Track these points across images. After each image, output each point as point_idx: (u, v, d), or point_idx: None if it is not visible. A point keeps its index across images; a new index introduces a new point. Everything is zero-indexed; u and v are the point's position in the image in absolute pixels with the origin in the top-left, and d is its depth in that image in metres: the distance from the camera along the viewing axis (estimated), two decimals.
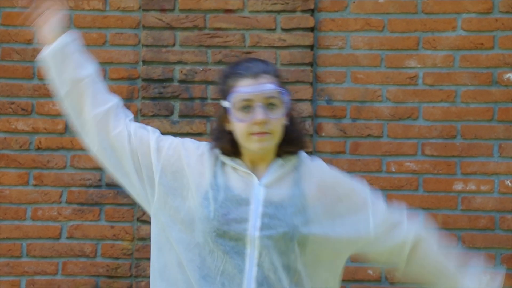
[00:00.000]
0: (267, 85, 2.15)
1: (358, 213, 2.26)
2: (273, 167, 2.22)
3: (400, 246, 2.30)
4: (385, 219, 2.29)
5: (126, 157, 2.22)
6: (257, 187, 2.18)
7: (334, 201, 2.23)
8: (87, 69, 2.26)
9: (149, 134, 2.25)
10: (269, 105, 2.16)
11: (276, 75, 2.21)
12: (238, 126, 2.17)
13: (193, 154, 2.23)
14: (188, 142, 2.27)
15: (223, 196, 2.17)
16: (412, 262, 2.31)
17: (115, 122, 2.24)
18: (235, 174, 2.20)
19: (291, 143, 2.23)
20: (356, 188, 2.30)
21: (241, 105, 2.16)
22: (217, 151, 2.23)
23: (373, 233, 2.26)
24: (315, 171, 2.26)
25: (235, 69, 2.20)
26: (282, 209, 2.16)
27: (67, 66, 2.24)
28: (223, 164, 2.22)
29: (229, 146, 2.21)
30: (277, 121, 2.17)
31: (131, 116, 2.29)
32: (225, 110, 2.20)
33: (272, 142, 2.18)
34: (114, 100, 2.28)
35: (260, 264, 2.13)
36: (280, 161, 2.23)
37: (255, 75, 2.16)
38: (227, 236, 2.13)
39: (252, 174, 2.19)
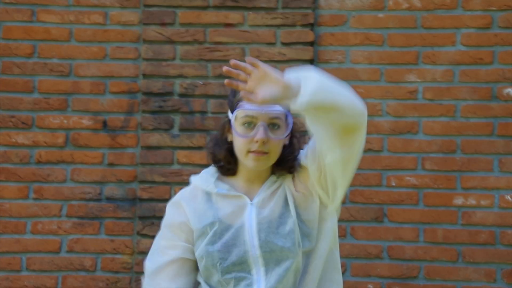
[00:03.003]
0: (273, 106, 2.15)
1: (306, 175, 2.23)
2: (266, 185, 2.23)
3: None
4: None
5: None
6: (249, 207, 2.19)
7: (301, 192, 2.22)
8: None
9: (175, 239, 2.25)
10: (272, 125, 2.17)
11: None
12: (238, 140, 2.19)
13: (177, 213, 2.25)
14: (168, 209, 2.28)
15: (217, 226, 2.18)
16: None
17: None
18: (225, 201, 2.21)
19: (283, 165, 2.23)
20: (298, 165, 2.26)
21: (244, 121, 2.16)
22: (196, 190, 2.25)
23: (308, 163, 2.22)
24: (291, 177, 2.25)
25: None
26: (276, 223, 2.16)
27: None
28: (208, 195, 2.23)
29: (228, 156, 2.22)
30: (277, 142, 2.17)
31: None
32: (229, 121, 2.21)
33: (269, 162, 2.19)
34: None
35: (268, 279, 2.14)
36: (273, 178, 2.23)
37: None
38: (231, 263, 2.15)
39: (243, 195, 2.21)
